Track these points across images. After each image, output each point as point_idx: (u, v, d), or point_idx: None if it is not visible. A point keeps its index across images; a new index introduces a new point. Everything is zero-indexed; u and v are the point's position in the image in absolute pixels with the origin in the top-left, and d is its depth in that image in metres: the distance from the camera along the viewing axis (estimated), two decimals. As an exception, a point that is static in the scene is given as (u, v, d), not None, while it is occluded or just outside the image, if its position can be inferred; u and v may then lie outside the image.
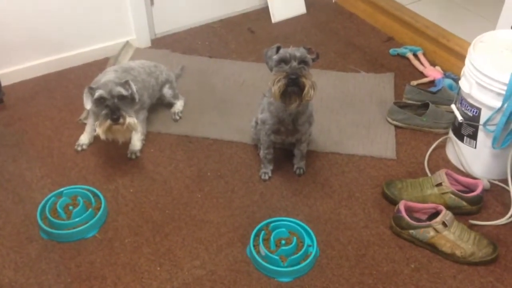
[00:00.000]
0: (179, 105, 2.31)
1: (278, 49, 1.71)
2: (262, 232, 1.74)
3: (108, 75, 1.99)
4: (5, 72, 2.40)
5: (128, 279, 1.65)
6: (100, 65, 2.59)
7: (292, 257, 1.65)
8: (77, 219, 1.77)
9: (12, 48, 2.42)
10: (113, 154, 2.10)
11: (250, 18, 3.03)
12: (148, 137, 2.18)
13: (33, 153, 2.10)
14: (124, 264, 1.69)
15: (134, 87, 1.91)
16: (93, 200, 1.86)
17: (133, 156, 2.08)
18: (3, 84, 2.34)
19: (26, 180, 1.98)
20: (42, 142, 2.16)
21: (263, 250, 1.68)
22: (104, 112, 1.85)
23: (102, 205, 1.83)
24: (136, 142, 2.10)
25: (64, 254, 1.72)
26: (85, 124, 2.18)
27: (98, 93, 1.85)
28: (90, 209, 1.81)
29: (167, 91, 2.28)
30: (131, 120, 1.87)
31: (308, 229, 1.75)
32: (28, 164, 2.06)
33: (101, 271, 1.67)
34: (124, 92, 1.87)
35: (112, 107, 1.84)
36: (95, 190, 1.89)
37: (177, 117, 2.28)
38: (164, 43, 2.81)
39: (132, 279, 1.65)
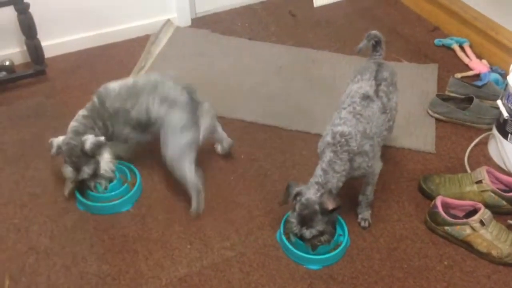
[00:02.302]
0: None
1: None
2: (294, 218, 1.73)
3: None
4: (48, 44, 2.44)
5: (159, 254, 1.67)
6: (141, 41, 2.61)
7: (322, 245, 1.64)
8: (112, 193, 1.80)
9: (56, 21, 2.46)
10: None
11: (292, 1, 2.98)
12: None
13: (72, 126, 2.14)
14: (156, 239, 1.72)
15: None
16: (129, 175, 1.89)
17: None
18: (46, 56, 2.38)
19: (65, 152, 2.02)
20: (82, 115, 2.20)
21: (293, 236, 1.67)
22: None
23: (138, 181, 1.86)
24: None
25: (98, 226, 1.76)
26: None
27: None
28: (125, 184, 1.84)
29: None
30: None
31: (340, 218, 1.73)
32: (67, 136, 2.10)
33: (133, 245, 1.70)
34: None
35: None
36: (131, 165, 1.91)
37: None
38: (204, 23, 2.80)
39: (163, 255, 1.67)
